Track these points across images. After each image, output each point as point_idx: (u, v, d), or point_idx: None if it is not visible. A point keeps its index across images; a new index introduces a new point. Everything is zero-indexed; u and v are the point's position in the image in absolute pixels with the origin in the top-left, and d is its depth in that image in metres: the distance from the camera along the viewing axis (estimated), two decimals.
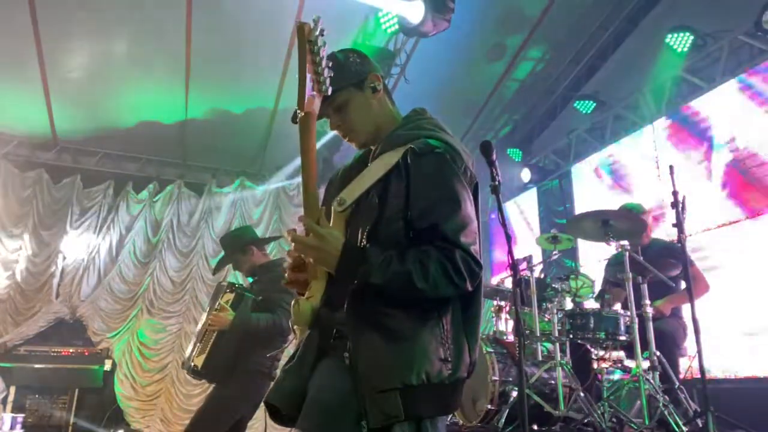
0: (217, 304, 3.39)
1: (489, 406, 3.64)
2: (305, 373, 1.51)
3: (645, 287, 3.67)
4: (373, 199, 1.50)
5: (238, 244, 3.68)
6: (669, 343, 3.83)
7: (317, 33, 1.35)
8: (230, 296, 3.39)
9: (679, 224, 3.51)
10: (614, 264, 4.33)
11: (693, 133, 5.76)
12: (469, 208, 1.48)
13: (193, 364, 3.32)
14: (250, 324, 3.29)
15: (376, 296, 1.41)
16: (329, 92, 1.46)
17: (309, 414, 1.44)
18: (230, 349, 3.28)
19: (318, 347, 1.52)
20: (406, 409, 1.34)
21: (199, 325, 3.62)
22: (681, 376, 3.84)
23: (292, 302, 1.55)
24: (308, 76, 1.39)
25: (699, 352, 3.24)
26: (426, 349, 1.39)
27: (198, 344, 3.38)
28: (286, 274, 1.61)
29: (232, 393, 3.28)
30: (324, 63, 1.40)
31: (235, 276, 7.34)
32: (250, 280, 3.78)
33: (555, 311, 3.82)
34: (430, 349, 1.40)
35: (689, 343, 4.01)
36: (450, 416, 4.17)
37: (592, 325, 3.69)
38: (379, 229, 1.47)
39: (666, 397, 3.37)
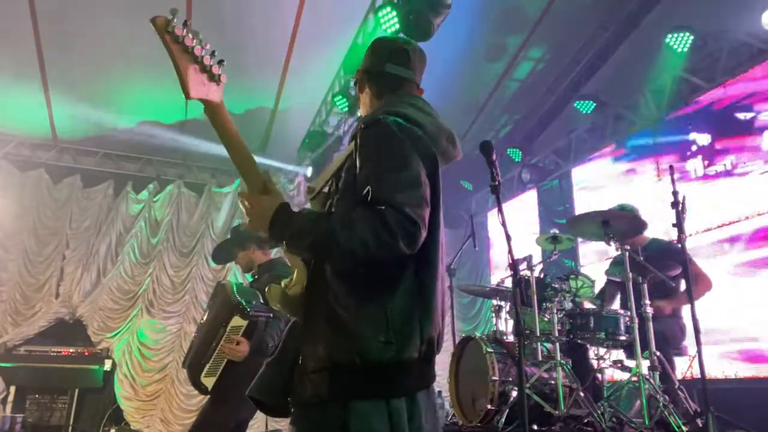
0: (229, 327, 3.24)
1: (489, 406, 3.64)
2: (286, 363, 1.54)
3: (645, 287, 3.67)
4: (334, 183, 1.58)
5: (241, 238, 3.70)
6: (663, 342, 3.82)
7: (174, 24, 1.36)
8: (243, 322, 3.21)
9: (679, 224, 3.50)
10: (615, 264, 4.33)
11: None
12: (412, 171, 1.44)
13: (203, 384, 3.26)
14: (265, 348, 3.23)
15: (333, 276, 1.45)
16: (224, 78, 1.49)
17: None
18: (241, 371, 3.17)
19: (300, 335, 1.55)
20: (333, 389, 1.36)
21: (201, 325, 3.58)
22: (680, 377, 3.84)
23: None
24: (192, 66, 1.42)
25: (699, 352, 3.23)
26: (363, 332, 1.38)
27: (207, 365, 3.27)
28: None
29: (233, 396, 3.27)
30: (202, 51, 1.42)
31: (235, 275, 7.35)
32: (250, 278, 3.78)
33: (555, 311, 3.82)
34: (367, 332, 1.38)
35: (690, 344, 4.01)
36: (450, 416, 4.18)
37: (592, 325, 3.69)
38: (333, 208, 1.53)
39: (666, 397, 3.37)
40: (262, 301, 3.29)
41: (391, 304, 1.41)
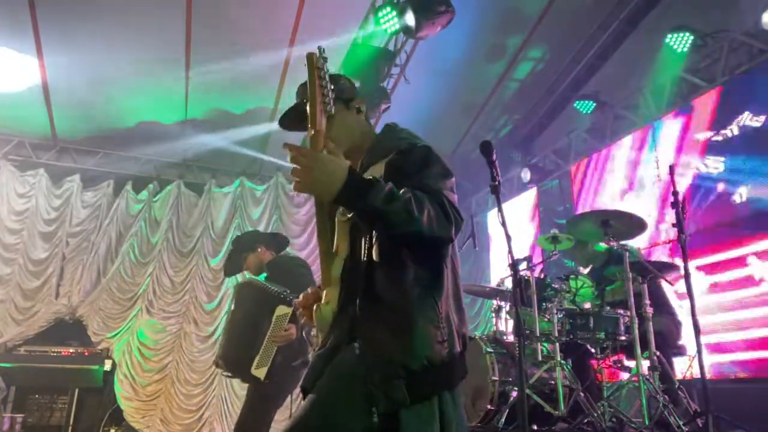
0: (275, 317, 3.41)
1: (489, 406, 3.64)
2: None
3: (645, 287, 3.67)
4: None
5: (249, 241, 3.93)
6: (661, 342, 3.81)
7: (323, 60, 1.46)
8: (288, 310, 3.39)
9: (679, 224, 3.50)
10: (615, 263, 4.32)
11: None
12: (452, 182, 1.62)
13: (254, 376, 3.38)
14: (306, 333, 3.46)
15: (385, 284, 1.53)
16: (333, 111, 1.55)
17: (316, 401, 1.53)
18: (290, 357, 3.43)
19: (348, 335, 1.59)
20: (411, 394, 1.45)
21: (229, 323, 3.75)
22: (680, 376, 3.84)
23: (314, 309, 1.66)
24: (322, 100, 1.48)
25: (699, 352, 3.23)
26: (425, 335, 1.50)
27: (256, 357, 3.39)
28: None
29: (272, 386, 3.40)
30: (328, 86, 1.50)
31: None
32: (262, 278, 3.86)
33: (555, 311, 3.82)
34: (428, 335, 1.50)
35: (689, 344, 4.01)
36: None
37: (592, 325, 3.69)
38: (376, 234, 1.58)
39: (666, 397, 3.37)
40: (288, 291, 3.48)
41: (439, 305, 1.55)
